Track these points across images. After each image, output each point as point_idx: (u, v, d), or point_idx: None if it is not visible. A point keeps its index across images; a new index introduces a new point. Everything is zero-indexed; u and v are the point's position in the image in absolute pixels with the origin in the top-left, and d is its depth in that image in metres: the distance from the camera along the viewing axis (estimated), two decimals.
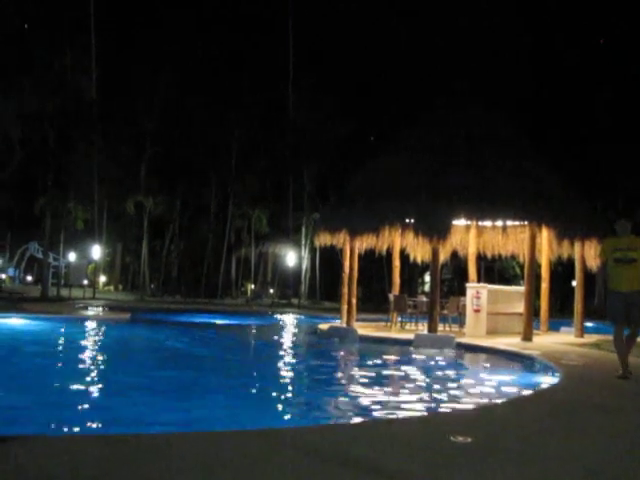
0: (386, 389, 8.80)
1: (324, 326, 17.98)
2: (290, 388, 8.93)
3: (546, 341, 14.79)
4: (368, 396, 7.98)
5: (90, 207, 38.99)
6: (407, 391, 8.52)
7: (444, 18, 39.88)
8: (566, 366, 9.47)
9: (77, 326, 17.54)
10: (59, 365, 10.57)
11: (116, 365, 10.59)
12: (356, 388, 8.85)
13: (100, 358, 11.63)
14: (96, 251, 37.77)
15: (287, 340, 17.90)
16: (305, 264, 42.44)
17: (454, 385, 9.36)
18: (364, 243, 17.74)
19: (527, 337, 14.82)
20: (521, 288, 16.97)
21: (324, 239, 18.16)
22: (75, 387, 8.19)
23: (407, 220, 16.12)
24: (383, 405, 7.42)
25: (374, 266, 36.31)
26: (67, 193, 37.69)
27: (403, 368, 11.14)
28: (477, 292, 16.35)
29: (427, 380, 9.71)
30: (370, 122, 40.34)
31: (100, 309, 24.18)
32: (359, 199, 16.76)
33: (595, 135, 35.90)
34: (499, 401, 7.59)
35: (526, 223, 16.14)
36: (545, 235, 16.48)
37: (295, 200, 41.64)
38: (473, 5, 38.98)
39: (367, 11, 40.45)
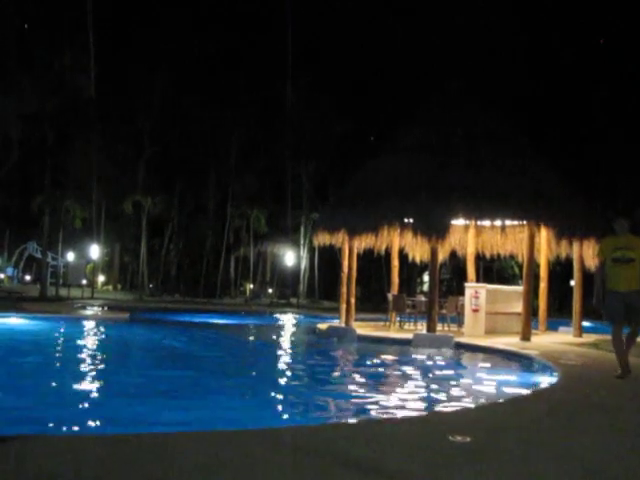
0: (385, 389, 8.81)
1: (323, 326, 17.99)
2: (289, 388, 8.93)
3: (544, 341, 14.80)
4: (367, 396, 7.99)
5: (88, 206, 38.97)
6: (406, 391, 8.53)
7: (441, 17, 39.92)
8: (565, 366, 9.48)
9: (76, 326, 17.55)
10: (58, 365, 10.58)
11: (115, 365, 10.59)
12: (355, 388, 8.86)
13: (99, 358, 11.63)
14: (94, 250, 37.75)
15: (286, 340, 17.91)
16: (304, 264, 42.45)
17: (453, 385, 9.37)
18: (363, 243, 17.74)
19: (526, 337, 14.83)
20: (519, 288, 16.99)
21: (323, 239, 18.17)
22: (74, 387, 8.20)
23: (406, 220, 16.12)
24: (382, 405, 7.43)
25: (373, 266, 36.34)
26: (65, 191, 37.68)
27: (402, 368, 11.15)
28: (476, 292, 16.36)
29: (426, 380, 9.72)
30: (367, 121, 40.35)
31: (99, 309, 24.19)
32: (358, 199, 16.77)
33: (592, 134, 35.91)
34: (498, 401, 7.60)
35: (525, 223, 16.15)
36: (544, 235, 16.49)
37: (294, 199, 41.66)
38: (470, 4, 39.00)
39: (364, 9, 40.46)
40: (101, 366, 10.56)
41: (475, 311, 16.17)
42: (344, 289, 18.27)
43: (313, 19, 41.18)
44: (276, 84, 41.41)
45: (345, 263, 18.23)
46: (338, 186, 24.97)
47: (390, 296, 18.76)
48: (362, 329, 16.89)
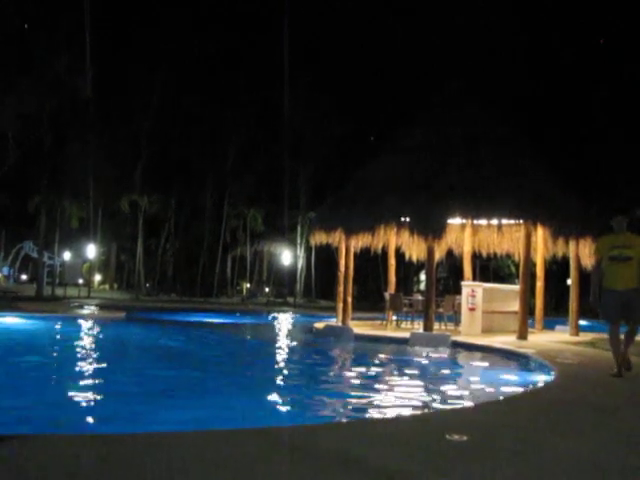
0: (382, 388, 8.81)
1: (320, 325, 18.00)
2: (286, 387, 8.93)
3: (541, 339, 14.83)
4: (364, 395, 7.99)
5: (85, 206, 38.94)
6: (403, 390, 8.53)
7: (440, 17, 39.97)
8: (561, 364, 9.49)
9: (72, 325, 17.52)
10: (54, 364, 10.55)
11: (111, 364, 10.57)
12: (352, 387, 8.86)
13: (95, 357, 11.61)
14: (91, 250, 37.72)
15: (283, 339, 17.90)
16: (301, 263, 42.47)
17: (450, 383, 9.38)
18: (360, 242, 17.75)
19: (522, 335, 14.85)
20: (516, 287, 17.01)
21: (319, 238, 18.17)
22: (71, 386, 8.18)
23: (402, 219, 16.13)
24: (379, 404, 7.43)
25: (370, 265, 36.37)
26: (62, 192, 37.63)
27: (399, 367, 11.15)
28: (472, 290, 16.38)
29: (423, 379, 9.73)
30: (366, 121, 40.37)
31: (95, 308, 24.15)
32: (355, 198, 16.78)
33: (592, 134, 35.95)
34: (494, 399, 7.61)
35: (521, 222, 16.17)
36: (540, 234, 16.52)
37: (290, 199, 41.66)
38: (469, 4, 39.02)
39: (363, 10, 40.47)
40: (97, 365, 10.54)
41: (472, 310, 16.19)
42: (341, 288, 18.28)
43: (313, 19, 41.19)
44: (276, 84, 41.43)
45: (342, 262, 18.23)
46: (335, 186, 24.96)
47: (387, 295, 18.77)
48: (359, 328, 16.90)
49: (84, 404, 7.19)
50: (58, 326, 17.58)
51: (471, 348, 13.50)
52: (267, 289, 44.89)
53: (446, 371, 10.95)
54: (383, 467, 3.96)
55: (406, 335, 14.62)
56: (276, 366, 11.32)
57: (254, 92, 39.66)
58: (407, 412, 6.89)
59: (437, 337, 14.40)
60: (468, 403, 7.57)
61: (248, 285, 45.89)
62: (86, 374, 9.49)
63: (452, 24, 38.53)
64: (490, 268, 36.12)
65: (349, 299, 18.08)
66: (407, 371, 10.62)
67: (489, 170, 15.70)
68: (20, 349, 12.13)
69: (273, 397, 7.82)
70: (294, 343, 16.46)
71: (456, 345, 13.78)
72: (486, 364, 11.68)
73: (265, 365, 11.30)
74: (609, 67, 36.14)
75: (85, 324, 18.20)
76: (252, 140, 41.20)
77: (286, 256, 39.92)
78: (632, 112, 33.95)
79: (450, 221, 16.54)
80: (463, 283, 17.62)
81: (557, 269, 25.66)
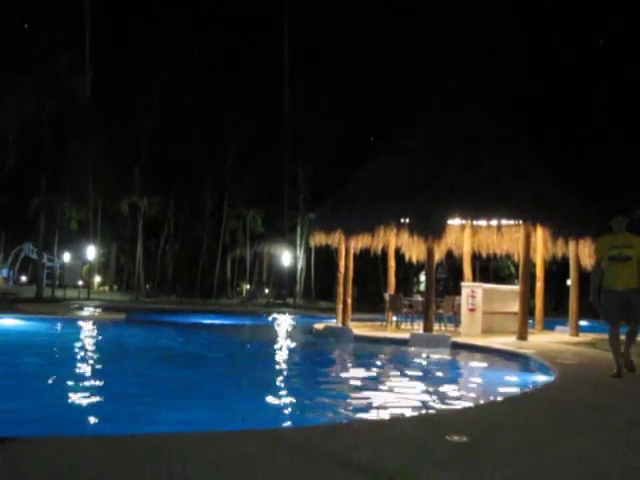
0: (382, 389, 8.81)
1: (319, 326, 18.00)
2: (285, 388, 8.93)
3: (541, 340, 14.83)
4: (364, 396, 7.99)
5: (85, 207, 38.93)
6: (403, 391, 8.53)
7: (440, 16, 39.94)
8: (561, 365, 9.49)
9: (72, 327, 17.52)
10: (54, 366, 10.54)
11: (111, 365, 10.57)
12: (352, 388, 8.86)
13: (95, 359, 11.61)
14: (91, 251, 37.69)
15: (282, 340, 17.89)
16: (300, 264, 42.46)
17: (450, 384, 9.38)
18: (359, 243, 17.76)
19: (522, 336, 14.85)
20: (516, 287, 17.01)
21: (319, 239, 18.17)
22: (71, 388, 8.18)
23: (402, 220, 16.13)
24: (380, 405, 7.43)
25: (369, 266, 36.35)
26: (62, 193, 37.63)
27: (399, 368, 11.15)
28: (472, 291, 16.38)
29: (423, 379, 9.72)
30: (366, 121, 40.37)
31: (95, 310, 24.15)
32: (354, 199, 16.78)
33: (592, 134, 35.95)
34: (494, 400, 7.62)
35: (521, 222, 16.17)
36: (540, 234, 16.53)
37: (290, 200, 41.66)
38: (469, 4, 39.02)
39: (363, 10, 40.47)
40: (97, 367, 10.54)
41: (472, 310, 16.19)
42: (340, 289, 18.28)
43: (313, 19, 41.20)
44: (276, 84, 41.47)
45: (341, 263, 18.24)
46: (335, 187, 24.99)
47: (387, 296, 18.77)
48: (359, 329, 16.90)
49: (84, 405, 7.19)
50: (58, 328, 17.59)
51: (471, 349, 13.50)
52: (267, 290, 44.88)
53: (446, 372, 10.96)
54: (383, 468, 3.96)
55: (406, 336, 14.62)
56: (276, 367, 11.32)
57: (254, 92, 39.66)
58: (407, 413, 6.90)
59: (437, 338, 14.40)
60: (468, 404, 7.57)
61: (248, 286, 45.88)
62: (86, 376, 9.49)
63: (452, 24, 38.52)
64: (490, 269, 36.12)
65: (349, 300, 18.08)
66: (407, 372, 10.62)
67: (489, 170, 15.69)
68: (20, 351, 12.13)
69: (273, 398, 7.82)
70: (294, 344, 16.46)
71: (456, 346, 13.78)
72: (486, 365, 11.68)
73: (265, 366, 11.29)
74: (609, 67, 36.12)
75: (85, 326, 18.20)
76: (252, 140, 41.20)
77: (286, 257, 39.91)
78: (632, 112, 33.95)
79: (450, 222, 16.54)
80: (463, 284, 17.62)
81: (557, 269, 25.68)
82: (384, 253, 19.84)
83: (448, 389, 8.84)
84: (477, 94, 19.88)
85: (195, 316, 25.06)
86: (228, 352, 14.05)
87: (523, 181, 15.66)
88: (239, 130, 40.47)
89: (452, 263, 30.12)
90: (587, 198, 22.75)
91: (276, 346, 15.38)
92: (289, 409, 7.40)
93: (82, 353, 12.20)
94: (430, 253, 15.76)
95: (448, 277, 40.83)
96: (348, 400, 7.88)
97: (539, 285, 18.00)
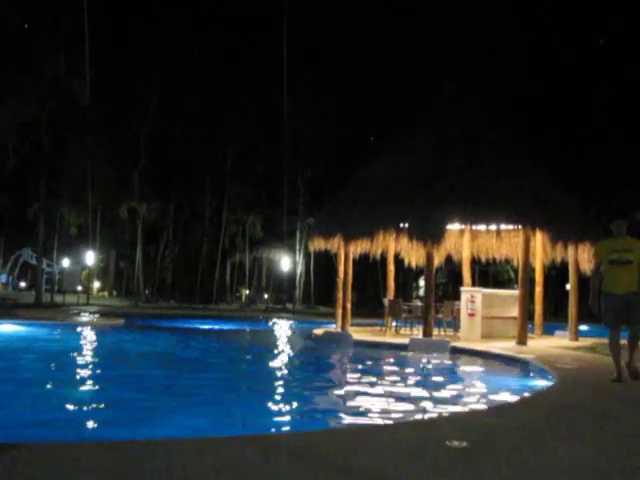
0: (381, 394, 8.79)
1: (319, 331, 17.98)
2: (285, 394, 8.91)
3: (540, 345, 14.81)
4: (363, 401, 7.98)
5: (84, 212, 38.90)
6: (403, 396, 8.52)
7: (440, 17, 40.02)
8: (561, 369, 9.48)
9: (71, 332, 17.50)
10: (53, 371, 10.53)
11: (110, 371, 10.56)
12: (351, 393, 8.84)
13: (94, 364, 11.59)
14: (90, 257, 37.69)
15: (282, 345, 17.87)
16: (299, 269, 42.44)
17: (449, 389, 9.37)
18: (358, 248, 17.75)
19: (522, 341, 14.84)
20: (515, 292, 17.00)
21: (318, 244, 18.15)
22: (70, 393, 8.17)
23: (401, 225, 16.13)
24: (379, 410, 7.42)
25: (368, 271, 36.36)
26: (60, 198, 37.61)
27: (398, 373, 11.14)
28: (471, 296, 16.38)
29: (422, 385, 9.71)
30: (366, 122, 40.40)
31: (94, 315, 24.11)
32: (353, 203, 16.77)
33: (592, 134, 35.99)
34: (494, 405, 7.61)
35: (520, 227, 16.17)
36: (539, 239, 16.53)
37: (289, 205, 41.67)
38: (469, 4, 39.10)
39: (363, 10, 40.55)
40: (96, 372, 10.53)
41: (471, 315, 16.18)
42: (340, 294, 18.26)
43: (313, 19, 41.29)
44: (276, 84, 41.52)
45: (341, 268, 18.23)
46: (335, 188, 24.96)
47: (386, 301, 18.76)
48: (358, 334, 16.88)
49: (84, 411, 7.18)
50: (57, 333, 17.56)
51: (470, 354, 13.48)
52: (266, 295, 44.85)
53: (445, 377, 10.94)
54: (383, 473, 3.95)
55: (405, 341, 14.60)
56: (275, 373, 11.31)
57: (254, 92, 39.69)
58: (407, 418, 6.88)
59: (436, 343, 14.39)
60: (468, 409, 7.56)
61: (247, 291, 45.87)
62: (85, 381, 9.48)
63: (452, 24, 38.58)
64: (489, 273, 36.11)
65: (348, 305, 18.07)
66: (406, 377, 10.61)
67: (489, 170, 15.68)
68: (19, 356, 12.11)
69: (272, 403, 7.81)
70: (293, 349, 16.44)
71: (455, 351, 13.76)
72: (485, 370, 11.67)
73: (264, 372, 11.28)
74: (609, 67, 36.17)
75: (84, 331, 18.17)
76: (252, 141, 41.19)
77: (285, 262, 39.89)
78: (632, 112, 33.98)
79: (449, 227, 16.54)
80: (462, 289, 17.61)
81: (556, 274, 25.68)
82: (383, 258, 19.85)
83: (447, 394, 8.82)
84: (477, 94, 19.90)
85: (194, 321, 25.04)
86: (227, 357, 14.03)
87: (523, 181, 15.64)
88: (239, 130, 40.46)
89: (451, 268, 30.14)
90: (587, 198, 22.76)
91: (275, 351, 15.36)
92: (288, 414, 7.39)
93: (81, 359, 12.18)
94: (429, 258, 15.75)
95: (447, 282, 40.82)
96: (348, 405, 7.87)
97: (538, 290, 17.99)
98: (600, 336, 14.59)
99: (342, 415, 7.29)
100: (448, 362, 12.89)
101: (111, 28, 38.56)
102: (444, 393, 8.85)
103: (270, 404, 7.74)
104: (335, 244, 17.74)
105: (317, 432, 5.71)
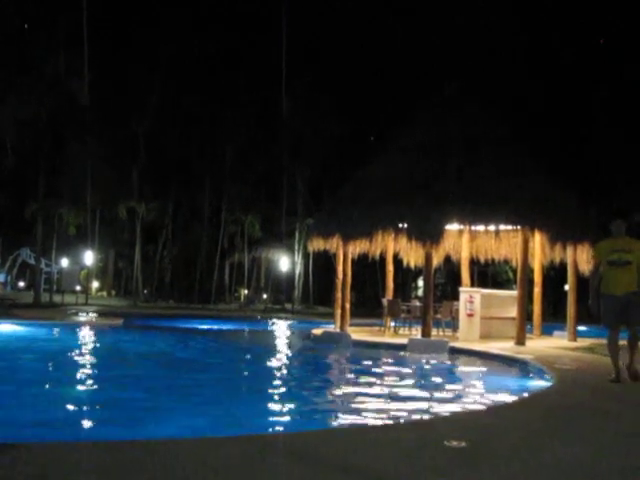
0: (380, 394, 8.80)
1: (318, 331, 17.98)
2: (284, 394, 8.92)
3: (539, 345, 14.82)
4: (362, 401, 7.98)
5: (82, 212, 38.87)
6: (401, 396, 8.52)
7: (440, 17, 39.99)
8: (559, 370, 9.49)
9: (70, 332, 17.49)
10: (52, 371, 10.53)
11: (109, 371, 10.56)
12: (350, 393, 8.85)
13: (93, 364, 11.59)
14: (88, 257, 37.66)
15: (281, 345, 17.88)
16: (298, 269, 42.42)
17: (448, 390, 9.38)
18: (357, 248, 17.75)
19: (520, 341, 14.85)
20: (514, 292, 17.01)
21: (317, 244, 18.15)
22: (69, 393, 8.18)
23: (400, 225, 16.13)
24: (377, 410, 7.43)
25: (367, 271, 36.34)
26: (60, 198, 37.57)
27: (397, 373, 11.15)
28: (470, 296, 16.38)
29: (421, 385, 9.72)
30: (366, 122, 40.39)
31: (93, 315, 24.11)
32: (352, 204, 16.77)
33: (592, 134, 36.00)
34: (493, 405, 7.62)
35: (519, 227, 16.18)
36: (538, 239, 16.53)
37: (289, 203, 41.66)
38: (469, 4, 39.09)
39: (363, 10, 40.54)
40: (95, 372, 10.53)
41: (470, 316, 16.19)
42: (339, 294, 18.27)
43: (312, 19, 41.27)
44: (275, 84, 41.49)
45: (340, 268, 18.23)
46: (333, 191, 24.98)
47: (385, 301, 18.76)
48: (357, 334, 16.88)
49: (83, 411, 7.18)
50: (56, 333, 17.56)
51: (469, 354, 13.49)
52: (265, 295, 44.82)
53: (444, 377, 10.94)
54: (382, 473, 3.96)
55: (404, 341, 14.60)
56: (274, 373, 11.32)
57: (254, 92, 39.68)
58: (405, 418, 6.89)
59: (435, 343, 14.39)
60: (466, 409, 7.57)
61: (246, 291, 45.83)
62: (84, 381, 9.48)
63: (452, 24, 38.55)
64: (488, 274, 36.12)
65: (347, 305, 18.07)
66: (405, 377, 10.62)
67: (488, 170, 15.66)
68: (18, 356, 12.10)
69: (271, 403, 7.81)
70: (292, 349, 16.44)
71: (454, 351, 13.77)
72: (484, 370, 11.67)
73: (263, 372, 11.29)
74: (609, 67, 36.18)
75: (83, 331, 18.17)
76: (251, 141, 41.15)
77: (284, 262, 39.86)
78: (632, 112, 33.99)
79: (448, 227, 16.54)
80: (461, 289, 17.62)
81: (555, 275, 25.69)
82: (382, 258, 19.85)
83: (446, 394, 8.83)
84: (477, 94, 19.89)
85: (193, 321, 25.03)
86: (226, 357, 14.03)
87: (522, 182, 15.62)
88: (238, 130, 40.42)
89: (450, 268, 30.15)
90: (587, 198, 22.75)
91: (274, 352, 15.37)
92: (287, 414, 7.39)
93: (80, 359, 12.18)
94: (428, 258, 15.76)
95: (446, 282, 40.80)
96: (346, 405, 7.87)
97: (537, 290, 18.00)
98: (599, 336, 14.60)
99: (341, 415, 7.30)
100: (447, 362, 12.90)
101: (111, 28, 38.57)
102: (443, 393, 8.86)
103: (269, 404, 7.75)
104: (334, 244, 17.74)
105: (316, 432, 5.72)
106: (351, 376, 11.13)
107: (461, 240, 19.83)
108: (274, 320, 27.92)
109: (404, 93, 37.31)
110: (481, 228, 18.81)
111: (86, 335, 17.34)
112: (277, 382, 10.08)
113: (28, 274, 46.94)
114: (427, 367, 12.05)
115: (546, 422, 5.86)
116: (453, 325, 17.31)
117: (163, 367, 11.69)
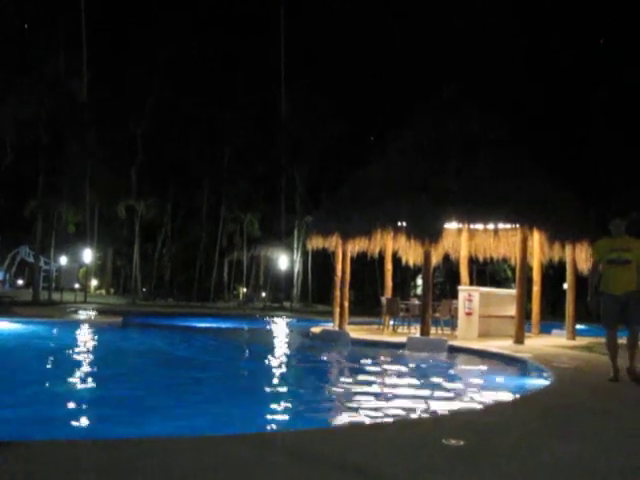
0: (378, 393, 8.81)
1: (316, 329, 17.99)
2: (283, 392, 8.93)
3: (538, 344, 14.84)
4: (360, 399, 7.99)
5: (81, 210, 38.86)
6: (400, 394, 8.53)
7: (439, 18, 39.99)
8: (557, 369, 9.50)
9: (69, 330, 17.47)
10: (51, 369, 10.53)
11: (108, 369, 10.56)
12: (348, 391, 8.85)
13: (92, 362, 11.59)
14: (87, 255, 37.62)
15: (279, 344, 17.89)
16: (297, 267, 42.41)
17: (446, 388, 9.38)
18: (356, 246, 17.76)
19: (519, 340, 14.86)
20: (513, 291, 17.03)
21: (316, 242, 18.16)
22: (68, 392, 8.17)
23: (399, 223, 16.14)
24: (376, 408, 7.43)
25: (366, 269, 36.36)
26: (59, 196, 37.53)
27: (396, 371, 11.15)
28: (469, 295, 16.40)
29: (419, 383, 9.72)
30: (365, 123, 40.39)
31: (92, 313, 24.09)
32: (351, 202, 16.78)
33: (590, 136, 36.01)
34: (491, 404, 7.62)
35: (517, 226, 16.19)
36: (536, 238, 16.54)
37: (287, 203, 41.66)
38: (468, 6, 39.08)
39: (362, 11, 40.52)
40: (94, 370, 10.53)
41: (468, 314, 16.20)
42: (337, 293, 18.28)
43: (311, 21, 41.28)
44: (274, 86, 41.46)
45: (338, 267, 18.24)
46: (332, 190, 24.99)
47: (384, 300, 18.77)
48: (356, 333, 16.89)
49: (81, 409, 7.18)
50: (55, 331, 17.55)
51: (468, 352, 13.51)
52: (264, 294, 44.81)
53: (442, 376, 10.94)
54: (379, 472, 3.96)
55: (403, 340, 14.60)
56: (273, 371, 11.32)
57: (252, 94, 39.69)
58: (404, 417, 6.89)
59: (434, 342, 14.40)
60: (465, 408, 7.57)
61: (245, 290, 45.82)
62: (83, 379, 9.47)
63: (450, 26, 38.55)
64: (487, 272, 36.12)
65: (346, 303, 18.09)
66: (403, 376, 10.62)
67: (487, 172, 15.69)
68: (16, 354, 12.10)
69: (270, 402, 7.82)
70: (291, 348, 16.44)
71: (453, 350, 13.78)
72: (483, 368, 11.68)
73: (262, 370, 11.29)
74: (608, 69, 36.19)
75: (82, 329, 18.16)
76: (250, 142, 41.16)
77: (283, 261, 39.85)
78: (631, 114, 34.01)
79: (446, 226, 16.55)
80: (460, 287, 17.64)
81: (554, 273, 25.69)
82: (381, 257, 19.86)
83: (444, 393, 8.83)
84: (475, 96, 19.91)
85: (192, 319, 25.01)
86: (225, 356, 14.03)
87: (521, 183, 15.65)
88: (237, 132, 40.43)
89: (449, 267, 30.15)
90: (585, 200, 22.76)
91: (273, 350, 15.37)
92: (286, 413, 7.40)
93: (79, 357, 12.18)
94: (427, 257, 15.77)
95: (445, 281, 40.80)
96: (345, 403, 7.88)
97: (536, 289, 18.02)
98: (597, 335, 14.62)
99: (339, 413, 7.31)
100: (445, 361, 12.90)
101: (110, 29, 38.52)
102: (441, 392, 8.86)
103: (267, 402, 7.75)
104: (333, 242, 17.75)
105: (314, 430, 5.72)
106: (349, 374, 11.13)
107: (460, 239, 19.85)
108: (273, 318, 27.92)
109: (403, 95, 37.30)
110: (480, 227, 18.82)
111: (85, 333, 17.34)
112: (276, 380, 10.09)
113: (27, 272, 46.87)
114: (426, 366, 12.05)
115: (544, 421, 5.86)
116: (452, 324, 17.33)
117: (162, 365, 11.69)
